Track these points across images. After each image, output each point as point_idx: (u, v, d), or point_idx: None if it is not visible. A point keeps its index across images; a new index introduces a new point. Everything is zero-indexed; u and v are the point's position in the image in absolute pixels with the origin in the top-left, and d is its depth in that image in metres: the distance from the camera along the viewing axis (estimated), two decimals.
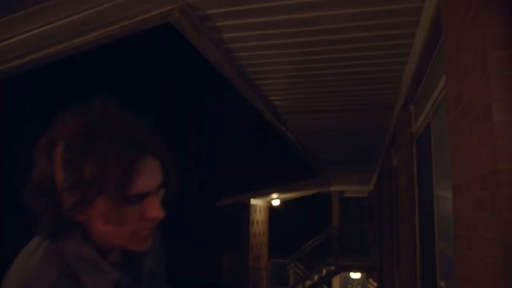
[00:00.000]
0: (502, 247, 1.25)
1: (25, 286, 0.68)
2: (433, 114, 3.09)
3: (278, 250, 16.35)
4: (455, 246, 1.85)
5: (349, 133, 6.23)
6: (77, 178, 0.69)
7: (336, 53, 3.26)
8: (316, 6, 2.54)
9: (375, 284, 12.79)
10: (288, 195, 16.01)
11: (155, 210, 0.75)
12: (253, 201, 14.36)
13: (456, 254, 1.84)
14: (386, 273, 7.30)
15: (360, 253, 13.62)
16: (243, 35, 2.98)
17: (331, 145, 7.30)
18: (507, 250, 1.23)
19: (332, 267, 12.97)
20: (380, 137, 6.32)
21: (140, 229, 0.76)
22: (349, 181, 13.66)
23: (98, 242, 0.75)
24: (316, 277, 13.14)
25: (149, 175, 0.75)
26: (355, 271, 13.90)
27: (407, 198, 3.99)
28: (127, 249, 0.80)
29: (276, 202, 15.97)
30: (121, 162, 0.70)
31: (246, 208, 14.15)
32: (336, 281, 15.75)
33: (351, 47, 3.13)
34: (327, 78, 3.85)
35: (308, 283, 13.13)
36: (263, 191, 13.90)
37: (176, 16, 2.48)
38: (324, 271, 13.24)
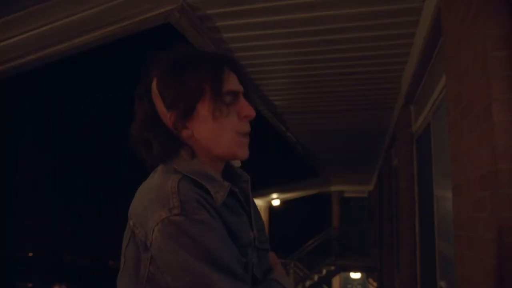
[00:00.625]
0: (502, 247, 1.25)
1: (159, 185, 0.79)
2: (433, 114, 3.09)
3: (278, 250, 16.27)
4: (455, 246, 1.85)
5: (349, 133, 6.23)
6: (179, 92, 0.84)
7: (336, 53, 3.26)
8: (316, 6, 2.54)
9: (375, 284, 12.78)
10: (288, 195, 15.99)
11: (248, 107, 0.89)
12: None
13: (456, 254, 1.84)
14: (386, 273, 7.30)
15: (360, 253, 13.61)
16: (243, 35, 2.98)
17: (331, 145, 7.30)
18: (507, 250, 1.23)
19: (332, 267, 12.96)
20: (380, 137, 6.31)
21: (240, 128, 0.88)
22: (349, 181, 13.64)
23: (204, 158, 0.87)
24: (316, 277, 13.13)
25: (234, 79, 0.90)
26: (355, 271, 13.89)
27: (407, 198, 3.99)
28: (229, 163, 0.95)
29: (276, 202, 15.95)
30: (211, 68, 0.86)
31: None
32: (336, 281, 15.74)
33: (351, 47, 3.13)
34: (327, 78, 3.85)
35: (308, 283, 13.11)
36: (263, 191, 13.88)
37: (176, 16, 2.48)
38: (324, 271, 13.22)
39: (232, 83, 0.88)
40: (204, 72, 0.85)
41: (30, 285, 18.66)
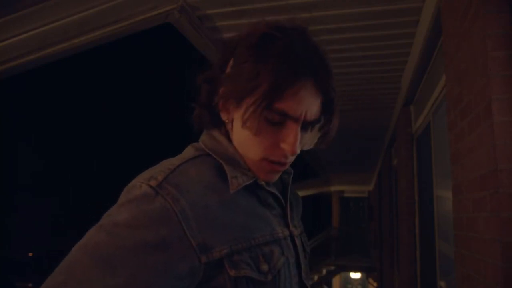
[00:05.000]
0: (502, 247, 1.25)
1: (170, 160, 0.69)
2: (433, 114, 3.09)
3: None
4: (455, 246, 1.85)
5: (349, 133, 6.24)
6: (237, 74, 0.68)
7: (336, 53, 3.26)
8: (316, 6, 2.54)
9: (375, 284, 12.78)
10: None
11: (291, 139, 0.67)
12: None
13: (456, 254, 1.84)
14: (386, 273, 7.31)
15: (360, 253, 13.62)
16: None
17: (331, 145, 7.28)
18: (507, 250, 1.23)
19: (332, 267, 12.97)
20: (380, 137, 6.32)
21: (270, 155, 0.69)
22: (349, 181, 13.66)
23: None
24: (316, 277, 13.14)
25: (301, 99, 0.66)
26: (355, 271, 13.90)
27: (407, 198, 3.99)
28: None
29: None
30: (274, 74, 0.65)
31: None
32: (336, 281, 15.75)
33: (351, 47, 3.13)
34: None
35: None
36: None
37: (176, 16, 2.48)
38: (324, 271, 13.24)
39: (291, 102, 0.66)
40: (264, 72, 0.65)
41: (30, 285, 18.67)
